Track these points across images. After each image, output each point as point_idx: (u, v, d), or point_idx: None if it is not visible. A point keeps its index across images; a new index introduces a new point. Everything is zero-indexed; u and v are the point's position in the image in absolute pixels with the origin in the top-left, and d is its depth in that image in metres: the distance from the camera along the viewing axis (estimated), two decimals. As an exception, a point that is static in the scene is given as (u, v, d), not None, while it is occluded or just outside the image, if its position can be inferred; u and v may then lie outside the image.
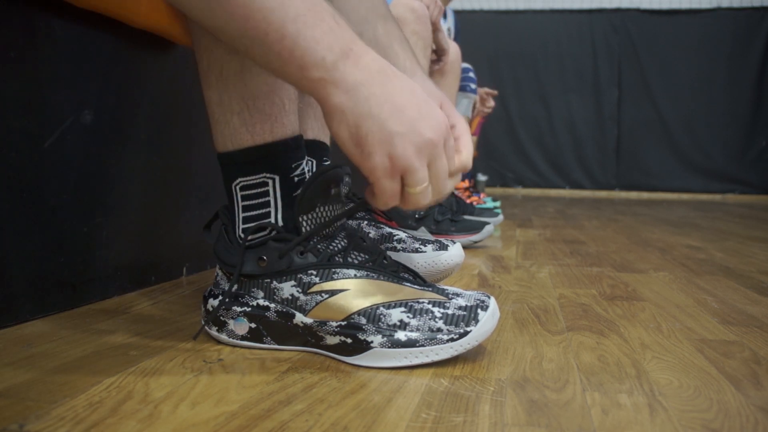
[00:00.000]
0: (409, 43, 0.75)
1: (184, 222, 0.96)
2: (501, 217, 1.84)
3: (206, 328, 0.63)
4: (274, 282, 0.59)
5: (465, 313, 0.57)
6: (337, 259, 0.59)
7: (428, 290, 0.59)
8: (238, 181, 0.60)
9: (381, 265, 0.60)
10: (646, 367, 0.59)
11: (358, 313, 0.57)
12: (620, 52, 5.00)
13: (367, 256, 0.61)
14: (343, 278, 0.58)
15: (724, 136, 4.88)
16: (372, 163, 0.49)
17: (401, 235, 0.92)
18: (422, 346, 0.56)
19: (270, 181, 0.59)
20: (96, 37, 0.75)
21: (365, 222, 0.91)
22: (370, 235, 0.88)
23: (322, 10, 0.48)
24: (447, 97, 0.64)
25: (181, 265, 0.96)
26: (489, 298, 0.60)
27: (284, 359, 0.58)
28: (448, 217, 1.42)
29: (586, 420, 0.46)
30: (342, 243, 0.60)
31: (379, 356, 0.56)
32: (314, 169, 0.74)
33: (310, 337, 0.59)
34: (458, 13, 4.08)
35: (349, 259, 0.60)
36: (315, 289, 0.58)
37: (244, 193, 0.60)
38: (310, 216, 0.60)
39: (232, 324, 0.61)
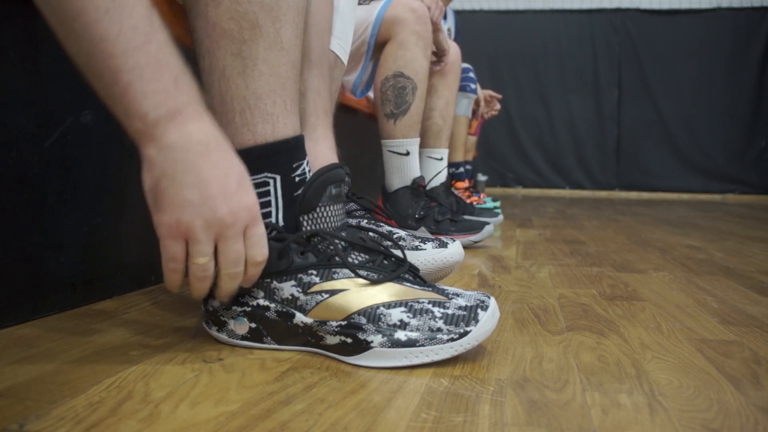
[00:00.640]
0: (325, 94, 0.81)
1: (184, 222, 0.96)
2: (501, 217, 1.85)
3: (206, 327, 0.63)
4: (274, 282, 0.59)
5: (465, 313, 0.57)
6: (337, 259, 0.59)
7: (428, 290, 0.59)
8: (238, 180, 0.60)
9: (381, 265, 0.60)
10: (646, 367, 0.59)
11: (358, 312, 0.57)
12: (620, 52, 5.00)
13: (367, 256, 0.61)
14: (344, 278, 0.58)
15: (724, 136, 4.88)
16: (159, 218, 0.52)
17: (401, 233, 0.92)
18: (422, 345, 0.56)
19: (271, 181, 0.59)
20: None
21: (365, 221, 0.91)
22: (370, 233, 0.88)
23: (166, 68, 0.49)
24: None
25: (181, 265, 0.96)
26: (489, 298, 0.60)
27: (284, 359, 0.58)
28: (448, 217, 1.42)
29: (586, 420, 0.46)
30: (342, 243, 0.60)
31: (379, 356, 0.56)
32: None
33: (310, 336, 0.59)
34: (458, 13, 4.08)
35: (350, 259, 0.60)
36: (315, 288, 0.58)
37: (244, 193, 0.60)
38: (310, 216, 0.60)
39: (232, 324, 0.61)
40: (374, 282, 0.58)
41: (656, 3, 4.93)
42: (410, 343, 0.56)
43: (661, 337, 0.70)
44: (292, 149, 0.60)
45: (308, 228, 0.59)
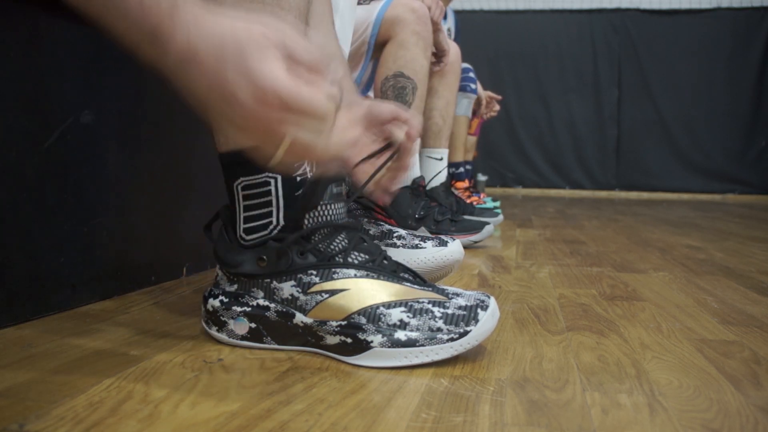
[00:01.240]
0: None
1: (184, 222, 0.96)
2: (501, 217, 1.84)
3: (206, 327, 0.63)
4: (274, 282, 0.59)
5: (465, 312, 0.57)
6: (337, 259, 0.59)
7: (428, 290, 0.59)
8: (239, 180, 0.60)
9: (381, 265, 0.60)
10: (646, 367, 0.59)
11: (358, 312, 0.57)
12: (620, 52, 5.00)
13: (367, 256, 0.61)
14: (343, 278, 0.58)
15: (724, 136, 4.87)
16: (247, 92, 0.43)
17: (401, 231, 0.92)
18: (422, 345, 0.56)
19: (272, 181, 0.59)
20: (96, 37, 0.75)
21: (364, 220, 0.91)
22: (370, 232, 0.88)
23: None
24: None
25: (181, 265, 0.96)
26: (489, 297, 0.60)
27: (284, 359, 0.58)
28: (448, 217, 1.42)
29: (586, 420, 0.46)
30: (342, 243, 0.61)
31: (379, 356, 0.56)
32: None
33: (310, 336, 0.59)
34: (458, 13, 4.07)
35: (350, 259, 0.60)
36: (315, 288, 0.58)
37: (245, 192, 0.60)
38: (312, 215, 0.60)
39: (232, 324, 0.61)
40: (374, 282, 0.58)
41: (656, 3, 4.93)
42: (410, 343, 0.56)
43: (661, 337, 0.70)
44: (292, 149, 0.60)
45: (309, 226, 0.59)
